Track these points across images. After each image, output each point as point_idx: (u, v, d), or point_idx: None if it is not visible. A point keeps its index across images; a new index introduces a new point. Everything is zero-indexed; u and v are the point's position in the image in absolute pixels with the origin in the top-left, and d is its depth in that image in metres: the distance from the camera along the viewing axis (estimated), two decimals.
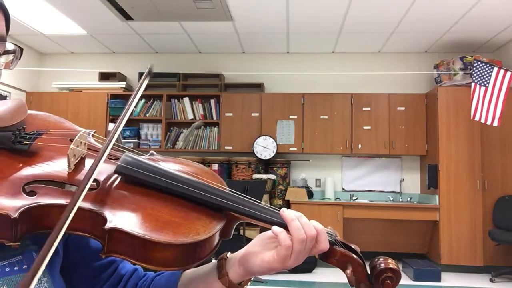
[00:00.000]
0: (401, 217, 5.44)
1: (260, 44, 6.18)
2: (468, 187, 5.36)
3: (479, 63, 5.02)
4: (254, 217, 0.69)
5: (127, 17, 5.17)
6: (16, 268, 0.63)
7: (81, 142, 0.70)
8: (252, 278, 0.75)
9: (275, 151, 5.86)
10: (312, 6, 4.82)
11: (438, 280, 4.85)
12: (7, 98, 6.05)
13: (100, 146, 0.73)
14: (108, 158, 0.69)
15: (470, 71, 5.30)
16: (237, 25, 5.47)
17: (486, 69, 4.96)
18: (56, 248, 0.72)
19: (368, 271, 0.73)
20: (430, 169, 5.50)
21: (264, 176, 5.77)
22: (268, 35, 5.81)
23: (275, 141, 5.92)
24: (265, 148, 5.89)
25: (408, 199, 5.94)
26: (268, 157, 5.87)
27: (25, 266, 0.63)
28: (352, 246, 0.75)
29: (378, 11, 4.93)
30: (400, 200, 5.99)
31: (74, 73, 6.50)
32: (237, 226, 0.74)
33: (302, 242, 0.67)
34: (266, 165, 6.02)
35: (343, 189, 6.25)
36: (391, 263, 0.72)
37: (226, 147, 6.08)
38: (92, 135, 0.76)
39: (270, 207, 0.71)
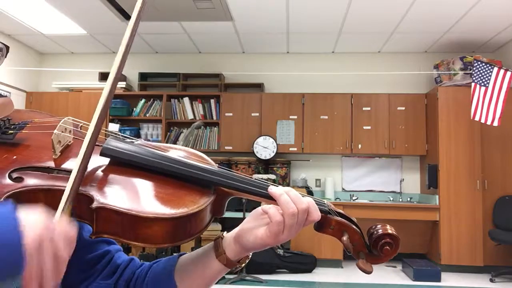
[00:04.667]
0: (401, 217, 5.44)
1: (260, 44, 6.18)
2: (468, 187, 5.35)
3: (479, 63, 5.02)
4: (244, 191, 0.68)
5: (127, 17, 5.17)
6: None
7: (65, 129, 0.70)
8: (250, 255, 0.74)
9: (275, 151, 5.86)
10: (312, 6, 4.82)
11: (438, 280, 4.85)
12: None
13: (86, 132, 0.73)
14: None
15: (470, 71, 5.29)
16: (237, 25, 5.47)
17: (486, 69, 4.96)
18: None
19: (367, 240, 0.71)
20: (430, 169, 5.49)
21: (264, 176, 5.76)
22: (268, 35, 5.81)
23: (275, 141, 5.91)
24: (265, 148, 5.89)
25: (408, 199, 5.94)
26: (268, 157, 5.87)
27: None
28: (350, 217, 0.73)
29: (378, 11, 4.93)
30: (400, 200, 5.98)
31: (74, 73, 6.49)
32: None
33: (293, 215, 0.66)
34: (266, 165, 6.02)
35: (343, 189, 6.25)
36: (390, 229, 0.71)
37: (226, 147, 6.08)
38: (81, 127, 0.76)
39: (261, 181, 0.70)
